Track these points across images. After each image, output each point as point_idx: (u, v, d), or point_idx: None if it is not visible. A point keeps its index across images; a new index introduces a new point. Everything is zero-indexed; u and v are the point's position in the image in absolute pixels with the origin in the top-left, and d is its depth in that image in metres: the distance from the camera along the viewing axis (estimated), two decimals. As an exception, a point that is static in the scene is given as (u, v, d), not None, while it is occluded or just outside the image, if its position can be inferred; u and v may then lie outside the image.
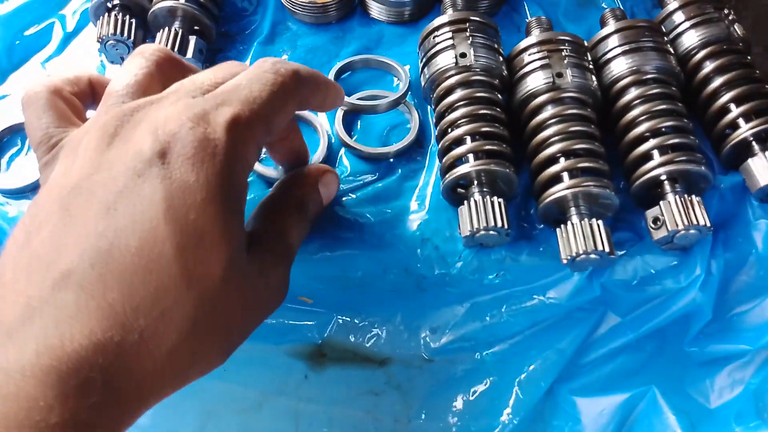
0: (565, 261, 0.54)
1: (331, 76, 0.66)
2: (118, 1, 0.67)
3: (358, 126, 0.66)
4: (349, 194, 0.61)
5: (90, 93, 0.47)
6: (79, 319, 0.30)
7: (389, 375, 0.61)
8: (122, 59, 0.68)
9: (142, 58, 0.43)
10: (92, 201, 0.34)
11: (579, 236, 0.53)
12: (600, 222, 0.53)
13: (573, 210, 0.56)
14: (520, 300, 0.59)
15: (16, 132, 0.64)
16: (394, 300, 0.60)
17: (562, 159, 0.57)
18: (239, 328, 0.40)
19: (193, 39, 0.65)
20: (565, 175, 0.56)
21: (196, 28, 0.67)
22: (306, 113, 0.65)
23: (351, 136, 0.64)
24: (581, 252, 0.53)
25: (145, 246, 0.32)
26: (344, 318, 0.61)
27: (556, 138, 0.58)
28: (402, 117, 0.67)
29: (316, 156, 0.62)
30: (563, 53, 0.60)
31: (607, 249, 0.52)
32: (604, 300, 0.58)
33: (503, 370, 0.60)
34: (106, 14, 0.66)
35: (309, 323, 0.61)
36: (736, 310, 0.57)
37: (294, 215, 0.47)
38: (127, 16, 0.66)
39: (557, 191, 0.55)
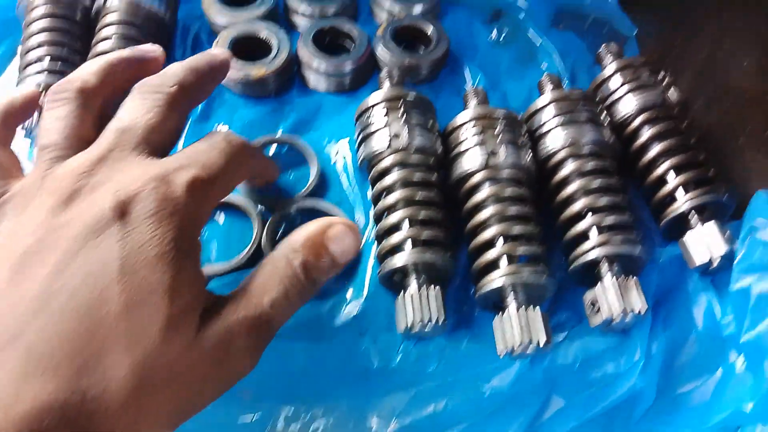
0: (501, 354, 0.53)
1: None
2: (44, 85, 0.65)
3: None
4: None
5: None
6: (26, 381, 0.31)
7: (336, 465, 0.59)
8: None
9: (66, 104, 0.42)
10: (47, 262, 0.34)
11: (516, 327, 0.52)
12: (537, 310, 0.53)
13: (510, 297, 0.55)
14: (464, 388, 0.57)
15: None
16: (337, 390, 0.58)
17: (499, 243, 0.56)
18: (188, 396, 0.38)
19: (121, 124, 0.63)
20: (502, 261, 0.55)
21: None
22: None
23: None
24: (518, 344, 0.52)
25: (94, 306, 0.33)
26: (286, 409, 0.58)
27: (492, 220, 0.57)
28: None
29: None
30: (496, 130, 0.59)
31: (544, 340, 0.51)
32: (547, 384, 0.57)
33: (451, 458, 0.58)
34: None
35: (249, 416, 0.59)
36: (680, 390, 0.56)
37: (280, 272, 0.41)
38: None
39: (493, 281, 0.54)
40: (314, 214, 0.64)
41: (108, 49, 0.66)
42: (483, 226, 0.57)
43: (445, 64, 0.75)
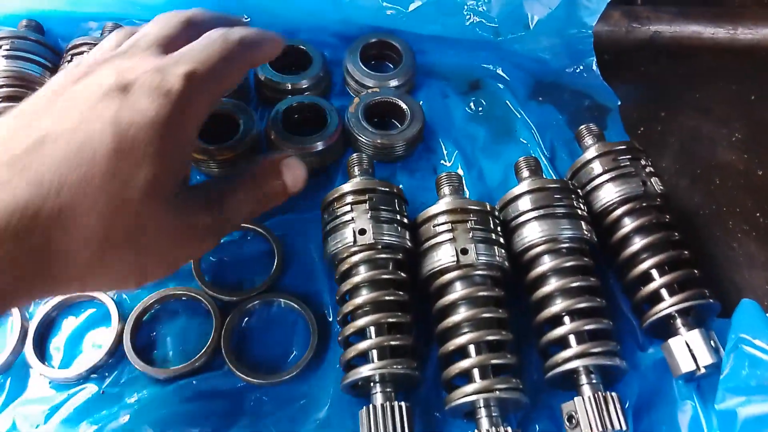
0: None
1: None
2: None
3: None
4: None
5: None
6: (12, 185, 0.36)
7: None
8: None
9: (122, 31, 0.53)
10: (52, 112, 0.41)
11: None
12: (509, 430, 0.49)
13: (483, 412, 0.51)
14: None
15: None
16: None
17: (471, 351, 0.53)
18: (154, 255, 0.43)
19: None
20: (475, 373, 0.52)
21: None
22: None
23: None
24: None
25: (86, 143, 0.38)
26: None
27: (465, 326, 0.54)
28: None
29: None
30: (468, 225, 0.56)
31: None
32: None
33: None
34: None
35: None
36: None
37: (244, 182, 0.50)
38: None
39: (466, 395, 0.51)
40: (277, 308, 0.61)
41: None
42: (455, 329, 0.54)
43: (421, 140, 0.72)
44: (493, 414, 0.51)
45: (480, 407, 0.51)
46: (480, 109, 0.76)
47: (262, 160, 0.53)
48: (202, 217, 0.45)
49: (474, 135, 0.74)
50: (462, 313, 0.54)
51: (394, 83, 0.74)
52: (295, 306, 0.60)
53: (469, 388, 0.51)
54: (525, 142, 0.73)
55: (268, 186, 0.51)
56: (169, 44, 0.48)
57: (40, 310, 0.59)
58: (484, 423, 0.50)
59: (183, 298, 0.61)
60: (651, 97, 0.79)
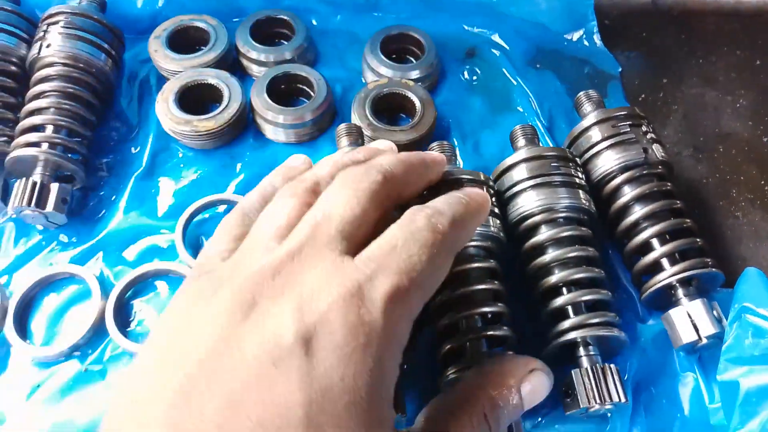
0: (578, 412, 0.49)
1: (180, 223, 0.60)
2: (-32, 146, 0.60)
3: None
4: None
5: None
6: None
7: None
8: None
9: (293, 199, 0.39)
10: (215, 386, 0.29)
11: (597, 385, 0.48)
12: (614, 368, 0.48)
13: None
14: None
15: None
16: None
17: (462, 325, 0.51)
18: None
19: (54, 188, 0.58)
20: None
21: (61, 173, 0.60)
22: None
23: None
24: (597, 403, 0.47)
25: None
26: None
27: (453, 302, 0.52)
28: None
29: None
30: None
31: (622, 399, 0.47)
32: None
33: None
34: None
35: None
36: (665, 481, 0.52)
37: (475, 421, 0.38)
38: (-21, 164, 0.59)
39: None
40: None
41: (44, 106, 0.61)
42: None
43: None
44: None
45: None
46: (475, 78, 0.74)
47: (499, 370, 0.42)
48: None
49: (470, 105, 0.71)
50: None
51: (415, 75, 0.70)
52: None
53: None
54: (522, 111, 0.71)
55: (509, 415, 0.41)
56: (358, 233, 0.36)
57: (21, 287, 0.57)
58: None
59: (167, 274, 0.59)
60: (653, 65, 0.76)
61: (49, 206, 0.58)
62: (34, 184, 0.58)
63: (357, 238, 0.36)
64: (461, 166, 0.65)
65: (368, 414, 0.29)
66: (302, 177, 0.42)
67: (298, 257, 0.33)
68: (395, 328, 0.32)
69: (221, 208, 0.63)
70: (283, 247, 0.34)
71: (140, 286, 0.58)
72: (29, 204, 0.57)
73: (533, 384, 0.41)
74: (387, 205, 0.40)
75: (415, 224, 0.36)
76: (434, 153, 0.50)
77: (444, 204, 0.39)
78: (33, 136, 0.59)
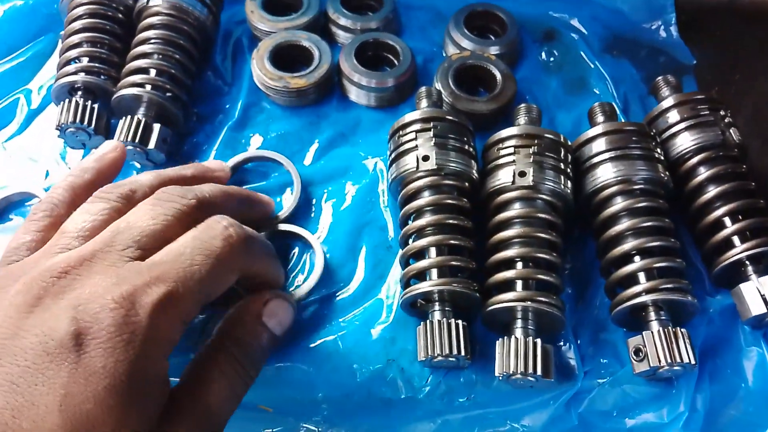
0: (499, 377, 0.51)
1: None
2: (80, 85, 0.64)
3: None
4: (313, 305, 0.58)
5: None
6: None
7: (355, 492, 0.57)
8: (83, 145, 0.65)
9: (104, 203, 0.43)
10: (9, 363, 0.33)
11: (520, 354, 0.50)
12: (539, 343, 0.50)
13: (519, 323, 0.52)
14: (493, 423, 0.55)
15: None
16: (360, 413, 0.56)
17: (518, 264, 0.53)
18: None
19: (156, 128, 0.62)
20: (519, 283, 0.52)
21: (161, 114, 0.64)
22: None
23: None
24: (517, 372, 0.49)
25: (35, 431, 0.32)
26: (307, 427, 0.57)
27: (516, 241, 0.54)
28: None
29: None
30: (531, 150, 0.56)
31: (540, 373, 0.49)
32: (582, 429, 0.54)
33: (475, 496, 0.56)
34: (68, 98, 0.63)
35: (269, 431, 0.57)
36: (725, 447, 0.53)
37: (226, 377, 0.42)
38: (89, 102, 0.63)
39: (505, 301, 0.51)
40: (290, 238, 0.62)
41: (149, 51, 0.65)
42: (503, 245, 0.55)
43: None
44: (529, 327, 0.52)
45: (516, 317, 0.53)
46: (552, 59, 0.76)
47: (241, 309, 0.46)
48: None
49: (546, 84, 0.74)
50: (513, 230, 0.54)
51: (495, 50, 0.73)
52: (306, 237, 0.60)
53: (509, 295, 0.52)
54: (598, 93, 0.73)
55: (261, 345, 0.45)
56: (155, 245, 0.40)
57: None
58: (519, 333, 0.52)
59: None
60: (726, 60, 0.78)
61: (152, 144, 0.62)
62: (139, 121, 0.61)
63: (153, 250, 0.39)
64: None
65: (128, 394, 0.34)
66: (121, 182, 0.46)
67: (88, 262, 0.37)
68: (162, 328, 0.36)
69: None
70: (78, 251, 0.38)
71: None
72: (133, 140, 0.61)
73: (273, 311, 0.46)
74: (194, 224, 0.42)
75: (208, 233, 0.40)
76: (264, 196, 0.55)
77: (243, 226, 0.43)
78: (138, 78, 0.63)
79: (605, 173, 0.57)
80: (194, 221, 0.42)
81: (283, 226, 0.60)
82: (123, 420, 0.34)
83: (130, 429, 0.34)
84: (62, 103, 0.63)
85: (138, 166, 0.65)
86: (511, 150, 0.57)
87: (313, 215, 0.63)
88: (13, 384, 0.33)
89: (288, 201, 0.63)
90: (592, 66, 0.74)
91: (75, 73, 0.64)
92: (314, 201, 0.63)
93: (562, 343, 0.56)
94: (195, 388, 0.41)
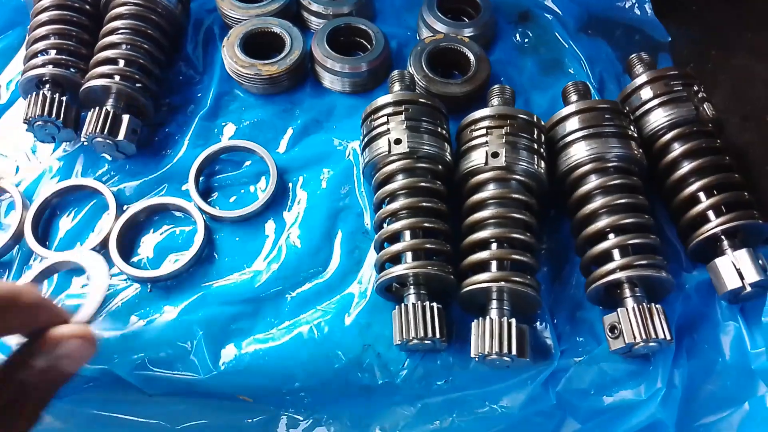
0: (475, 357, 0.51)
1: (195, 167, 0.62)
2: (48, 77, 0.63)
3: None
4: (288, 292, 0.57)
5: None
6: None
7: (336, 479, 0.57)
8: (53, 138, 0.64)
9: None
10: None
11: (495, 334, 0.50)
12: (513, 323, 0.50)
13: (494, 304, 0.52)
14: (472, 405, 0.55)
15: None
16: (341, 400, 0.56)
17: (493, 245, 0.53)
18: None
19: (126, 119, 0.61)
20: (493, 264, 0.52)
21: (131, 105, 0.63)
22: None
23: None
24: (492, 353, 0.49)
25: None
26: (288, 414, 0.57)
27: (491, 222, 0.54)
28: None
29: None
30: (503, 131, 0.56)
31: (515, 352, 0.49)
32: (561, 407, 0.54)
33: (455, 478, 0.55)
34: (35, 91, 0.62)
35: (250, 421, 0.57)
36: (702, 422, 0.53)
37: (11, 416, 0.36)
38: (57, 94, 0.62)
39: (480, 282, 0.51)
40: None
41: (118, 41, 0.64)
42: (478, 227, 0.54)
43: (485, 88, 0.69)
44: (505, 308, 0.52)
45: (492, 299, 0.52)
46: (527, 40, 0.76)
47: (30, 347, 0.38)
48: None
49: (521, 65, 0.73)
50: (487, 211, 0.54)
51: (469, 33, 0.72)
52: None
53: (483, 275, 0.51)
54: (573, 73, 0.72)
55: (45, 390, 0.38)
56: None
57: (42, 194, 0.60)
58: (494, 314, 0.52)
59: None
60: (702, 37, 0.77)
61: (121, 135, 0.61)
62: (107, 113, 0.61)
63: None
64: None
65: None
66: None
67: None
68: None
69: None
70: None
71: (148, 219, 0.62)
72: (102, 131, 0.60)
73: (69, 352, 0.38)
74: None
75: None
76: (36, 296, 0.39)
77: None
78: (107, 69, 0.62)
79: (579, 152, 0.57)
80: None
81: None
82: None
83: None
84: (30, 96, 0.62)
85: (109, 158, 0.64)
86: (484, 131, 0.56)
87: (289, 202, 0.62)
88: None
89: (263, 189, 0.62)
90: (567, 46, 0.74)
91: (42, 65, 0.63)
92: (290, 187, 0.63)
93: (538, 323, 0.56)
94: None
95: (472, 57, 0.68)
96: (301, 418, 0.56)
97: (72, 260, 0.54)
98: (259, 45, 0.69)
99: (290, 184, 0.63)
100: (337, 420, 0.56)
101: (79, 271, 0.57)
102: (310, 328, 0.55)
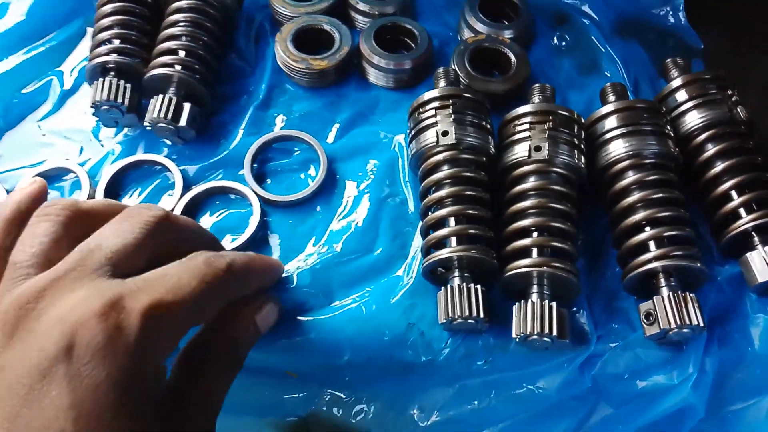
0: (516, 338, 0.53)
1: (250, 154, 0.65)
2: (113, 65, 0.67)
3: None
4: (337, 272, 0.61)
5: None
6: None
7: (376, 454, 0.60)
8: (116, 123, 0.68)
9: (47, 222, 0.40)
10: None
11: (536, 316, 0.52)
12: (554, 306, 0.53)
13: (535, 288, 0.55)
14: (509, 387, 0.57)
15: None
16: (382, 379, 0.59)
17: (534, 233, 0.56)
18: None
19: (187, 106, 0.65)
20: (534, 251, 0.55)
21: (190, 94, 0.67)
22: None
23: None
24: (533, 333, 0.52)
25: None
26: (331, 392, 0.60)
27: (532, 211, 0.57)
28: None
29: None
30: (546, 126, 0.59)
31: (555, 333, 0.52)
32: (596, 391, 0.57)
33: (491, 456, 0.58)
34: (101, 77, 0.66)
35: (295, 396, 0.60)
36: (731, 408, 0.56)
37: (222, 364, 0.43)
38: (122, 81, 0.66)
39: (522, 267, 0.54)
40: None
41: (178, 33, 0.67)
42: (519, 216, 0.57)
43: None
44: (545, 293, 0.54)
45: (533, 283, 0.55)
46: (564, 43, 0.79)
47: (235, 311, 0.45)
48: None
49: (558, 66, 0.76)
50: (529, 201, 0.57)
51: (509, 35, 0.75)
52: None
53: (525, 261, 0.54)
54: (609, 75, 0.75)
55: (249, 343, 0.46)
56: (130, 263, 0.38)
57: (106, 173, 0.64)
58: (534, 297, 0.54)
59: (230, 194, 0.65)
60: (735, 42, 0.80)
61: (183, 121, 0.64)
62: (170, 99, 0.64)
63: (129, 268, 0.37)
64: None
65: (133, 406, 0.33)
66: (65, 204, 0.41)
67: (63, 280, 0.35)
68: (155, 335, 0.34)
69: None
70: (45, 275, 0.36)
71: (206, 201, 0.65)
72: (165, 117, 0.63)
73: (266, 317, 0.48)
74: (166, 241, 0.42)
75: (192, 261, 0.39)
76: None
77: (232, 253, 0.43)
78: (168, 59, 0.66)
79: (617, 148, 0.60)
80: (168, 241, 0.42)
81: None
82: (128, 423, 0.33)
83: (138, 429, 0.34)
84: (96, 82, 0.66)
85: (169, 143, 0.68)
86: (527, 126, 0.59)
87: (336, 190, 0.66)
88: (16, 418, 0.31)
89: (313, 177, 0.66)
90: (603, 50, 0.77)
91: (107, 53, 0.67)
92: (338, 177, 0.66)
93: (575, 310, 0.58)
94: (193, 380, 0.41)
95: (512, 56, 0.71)
96: (343, 396, 0.59)
97: None
98: (309, 41, 0.73)
99: (338, 173, 0.67)
100: (377, 399, 0.59)
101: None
102: (358, 306, 0.58)
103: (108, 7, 0.69)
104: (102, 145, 0.68)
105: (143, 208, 0.42)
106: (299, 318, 0.58)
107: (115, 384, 0.32)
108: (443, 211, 0.57)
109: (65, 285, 0.35)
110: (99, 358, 0.32)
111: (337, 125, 0.70)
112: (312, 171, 0.67)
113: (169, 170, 0.64)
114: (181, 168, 0.65)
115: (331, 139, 0.69)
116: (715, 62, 0.79)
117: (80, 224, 0.40)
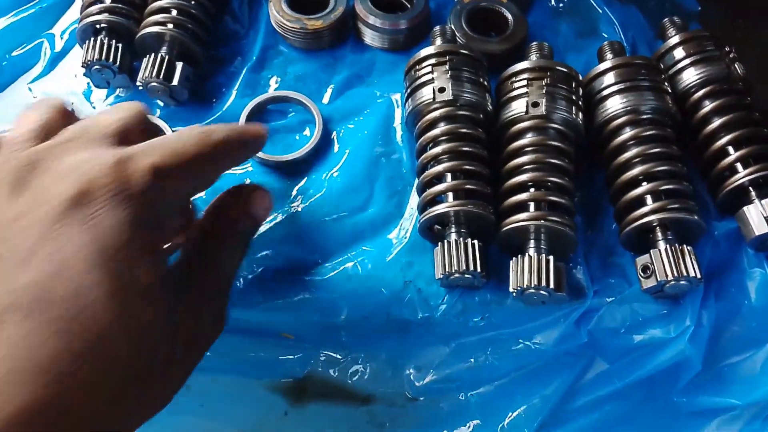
0: (513, 292, 0.53)
1: (244, 114, 0.65)
2: (105, 25, 0.66)
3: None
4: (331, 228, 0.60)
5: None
6: (8, 388, 0.29)
7: (372, 414, 0.60)
8: (108, 84, 0.67)
9: (45, 105, 0.41)
10: (5, 257, 0.32)
11: (533, 270, 0.52)
12: (551, 259, 0.52)
13: (532, 243, 0.55)
14: (506, 343, 0.58)
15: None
16: (378, 338, 0.59)
17: (531, 188, 0.56)
18: (180, 368, 0.39)
19: (180, 65, 0.64)
20: (531, 205, 0.55)
21: (183, 53, 0.66)
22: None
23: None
24: (530, 286, 0.52)
25: (77, 293, 0.31)
26: (327, 353, 0.60)
27: (529, 167, 0.56)
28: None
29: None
30: (544, 82, 0.58)
31: (552, 286, 0.51)
32: (592, 345, 0.57)
33: (487, 413, 0.58)
34: (93, 37, 0.65)
35: (291, 357, 0.60)
36: (727, 362, 0.56)
37: (228, 241, 0.45)
38: (114, 41, 0.65)
39: (519, 221, 0.54)
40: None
41: (169, -8, 0.67)
42: (517, 171, 0.57)
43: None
44: (542, 247, 0.54)
45: (529, 238, 0.55)
46: (561, 5, 0.78)
47: (231, 197, 0.47)
48: (211, 305, 0.42)
49: (556, 28, 0.75)
50: (526, 157, 0.56)
51: None
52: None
53: (522, 215, 0.54)
54: (607, 37, 0.74)
55: (249, 229, 0.47)
56: (128, 137, 0.39)
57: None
58: (531, 252, 0.54)
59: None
60: (732, 8, 0.80)
61: (175, 80, 0.64)
62: (162, 58, 0.63)
63: (129, 143, 0.38)
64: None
65: (150, 246, 0.35)
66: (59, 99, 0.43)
67: (66, 144, 0.37)
68: (160, 194, 0.36)
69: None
70: (51, 140, 0.37)
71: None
72: (158, 76, 0.63)
73: (259, 201, 0.47)
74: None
75: (187, 131, 0.41)
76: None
77: (224, 126, 0.43)
78: (161, 17, 0.65)
79: (614, 104, 0.59)
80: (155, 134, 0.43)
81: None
82: (156, 271, 0.35)
83: (164, 278, 0.36)
84: (87, 41, 0.65)
85: (161, 104, 0.67)
86: (525, 82, 0.59)
87: (331, 150, 0.65)
88: (29, 261, 0.32)
89: (308, 137, 0.65)
90: (601, 11, 0.76)
91: (99, 13, 0.66)
92: (334, 135, 0.66)
93: (572, 266, 0.58)
94: (202, 251, 0.43)
95: (510, 17, 0.71)
96: (339, 357, 0.60)
97: None
98: (303, 2, 0.72)
99: (334, 133, 0.66)
100: (373, 359, 0.59)
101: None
102: (354, 265, 0.58)
103: (98, -34, 0.68)
104: (94, 107, 0.68)
105: (132, 107, 0.43)
106: (295, 277, 0.58)
107: (132, 223, 0.34)
108: (440, 167, 0.57)
109: (69, 147, 0.36)
110: (116, 202, 0.33)
111: (332, 87, 0.69)
112: (307, 132, 0.66)
113: (163, 132, 0.64)
114: (174, 129, 0.65)
115: (326, 100, 0.68)
116: (712, 26, 0.78)
117: (74, 118, 0.42)
